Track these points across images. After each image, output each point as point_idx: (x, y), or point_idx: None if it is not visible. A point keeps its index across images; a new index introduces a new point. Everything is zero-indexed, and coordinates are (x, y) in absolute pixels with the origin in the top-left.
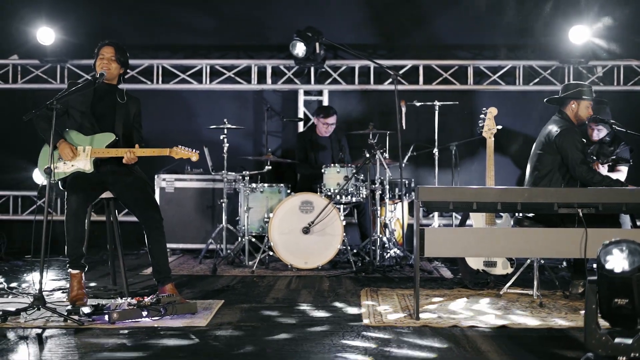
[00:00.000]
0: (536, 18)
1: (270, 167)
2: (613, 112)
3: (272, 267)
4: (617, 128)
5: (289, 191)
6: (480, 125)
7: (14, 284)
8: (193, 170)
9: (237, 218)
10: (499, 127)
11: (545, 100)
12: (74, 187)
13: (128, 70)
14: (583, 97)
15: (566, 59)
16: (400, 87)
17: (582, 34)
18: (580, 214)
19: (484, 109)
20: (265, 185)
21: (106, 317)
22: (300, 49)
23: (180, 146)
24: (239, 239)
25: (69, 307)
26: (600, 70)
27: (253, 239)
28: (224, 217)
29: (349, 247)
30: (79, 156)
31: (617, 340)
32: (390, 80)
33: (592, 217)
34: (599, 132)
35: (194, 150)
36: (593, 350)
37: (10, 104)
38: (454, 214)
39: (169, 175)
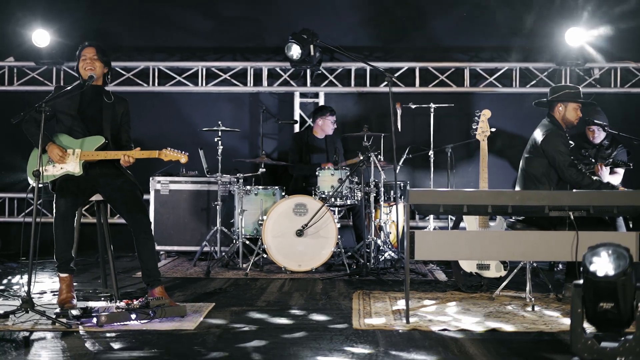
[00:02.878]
0: (532, 20)
1: (264, 170)
2: (611, 114)
3: (266, 270)
4: (609, 130)
5: (283, 193)
6: (474, 127)
7: (6, 286)
8: (188, 173)
9: (232, 220)
10: (493, 129)
11: (533, 103)
12: (63, 190)
13: (123, 72)
14: (569, 99)
15: (563, 61)
16: (396, 89)
17: (579, 36)
18: (572, 216)
19: (477, 111)
20: (260, 187)
21: (94, 320)
22: (295, 51)
23: (169, 148)
24: (234, 241)
25: (58, 310)
26: (597, 72)
27: (247, 242)
28: (218, 220)
29: (343, 250)
30: (68, 159)
31: (602, 344)
32: (385, 82)
33: (587, 220)
34: (599, 134)
35: (183, 152)
36: (579, 354)
37: (6, 106)
38: (449, 217)
39: (164, 177)
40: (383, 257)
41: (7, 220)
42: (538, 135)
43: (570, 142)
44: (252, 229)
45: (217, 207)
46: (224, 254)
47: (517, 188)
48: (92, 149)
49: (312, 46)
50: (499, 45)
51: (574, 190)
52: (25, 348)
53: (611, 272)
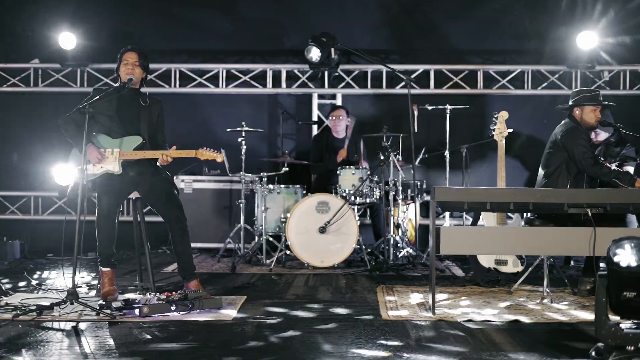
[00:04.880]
0: (544, 24)
1: (287, 169)
2: (620, 115)
3: (289, 266)
4: (624, 132)
5: (304, 192)
6: (492, 128)
7: (40, 281)
8: (211, 172)
9: (254, 218)
10: (510, 130)
11: (556, 107)
12: (104, 188)
13: (148, 75)
14: (583, 103)
15: (574, 64)
16: (412, 91)
17: (590, 39)
18: (589, 213)
19: (495, 112)
20: (282, 186)
21: (137, 311)
22: (315, 53)
23: (205, 148)
24: (256, 238)
25: (101, 302)
26: (606, 74)
27: (270, 238)
28: (242, 217)
29: (363, 247)
30: (108, 158)
31: (625, 331)
32: (402, 84)
33: (600, 217)
34: (597, 135)
35: (218, 151)
36: (603, 340)
37: (30, 107)
38: (464, 215)
39: (188, 176)
40: (401, 254)
41: (33, 218)
42: (559, 132)
43: None
44: (275, 226)
45: (241, 205)
46: (247, 250)
47: (538, 182)
48: (130, 149)
49: (332, 49)
50: (511, 49)
51: (597, 188)
52: (76, 336)
53: (634, 263)
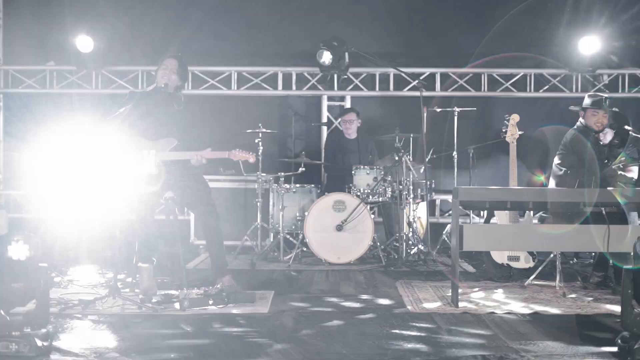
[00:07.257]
0: (546, 29)
1: (304, 169)
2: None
3: (305, 262)
4: (633, 134)
5: (319, 191)
6: (503, 130)
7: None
8: (226, 172)
9: (270, 216)
10: (521, 132)
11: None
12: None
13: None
14: (585, 107)
15: (575, 67)
16: (418, 93)
17: (591, 44)
18: (604, 212)
19: (506, 115)
20: (297, 185)
21: (177, 304)
22: (326, 57)
23: (237, 149)
24: (271, 236)
25: (141, 297)
26: (606, 78)
27: (287, 236)
28: (259, 216)
29: (378, 244)
30: (144, 160)
31: None
32: (409, 86)
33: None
34: (605, 136)
35: (250, 152)
36: (629, 329)
37: (45, 108)
38: (471, 213)
39: (204, 176)
40: (413, 251)
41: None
42: (567, 134)
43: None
44: (291, 225)
45: (258, 203)
46: (266, 247)
47: (551, 181)
48: (165, 150)
49: (345, 53)
50: (514, 53)
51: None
52: (125, 328)
53: None
